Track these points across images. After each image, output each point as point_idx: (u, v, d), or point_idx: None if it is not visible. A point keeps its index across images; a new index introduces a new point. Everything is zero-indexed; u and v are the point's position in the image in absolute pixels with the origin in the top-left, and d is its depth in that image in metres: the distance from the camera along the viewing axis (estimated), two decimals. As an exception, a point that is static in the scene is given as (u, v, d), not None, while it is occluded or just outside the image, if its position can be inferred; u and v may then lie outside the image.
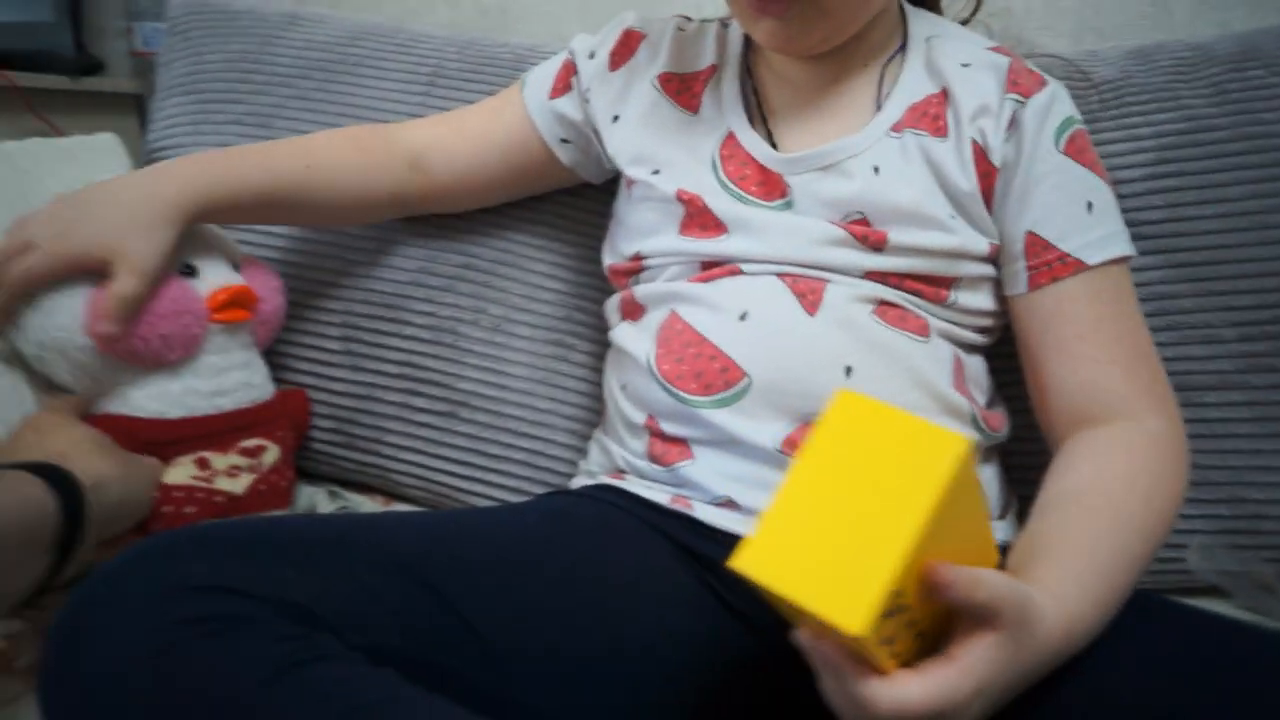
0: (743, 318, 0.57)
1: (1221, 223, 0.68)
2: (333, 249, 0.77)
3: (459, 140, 0.72)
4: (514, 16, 1.09)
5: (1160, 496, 0.52)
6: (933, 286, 0.59)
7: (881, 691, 0.35)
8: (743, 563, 0.35)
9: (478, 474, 0.74)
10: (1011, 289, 0.60)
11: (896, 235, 0.58)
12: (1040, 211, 0.58)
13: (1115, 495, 0.51)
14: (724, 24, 0.69)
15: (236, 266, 0.68)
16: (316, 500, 0.75)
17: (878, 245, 0.58)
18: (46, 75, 1.60)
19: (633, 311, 0.65)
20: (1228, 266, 0.67)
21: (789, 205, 0.60)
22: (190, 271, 0.64)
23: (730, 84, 0.65)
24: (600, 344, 0.74)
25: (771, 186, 0.61)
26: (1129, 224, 0.67)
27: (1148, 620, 0.46)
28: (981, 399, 0.61)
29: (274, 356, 0.75)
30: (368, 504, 0.77)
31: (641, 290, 0.64)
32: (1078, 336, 0.57)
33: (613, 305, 0.68)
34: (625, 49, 0.69)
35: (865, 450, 0.35)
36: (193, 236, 0.64)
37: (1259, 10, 0.89)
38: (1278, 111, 0.68)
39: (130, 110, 1.68)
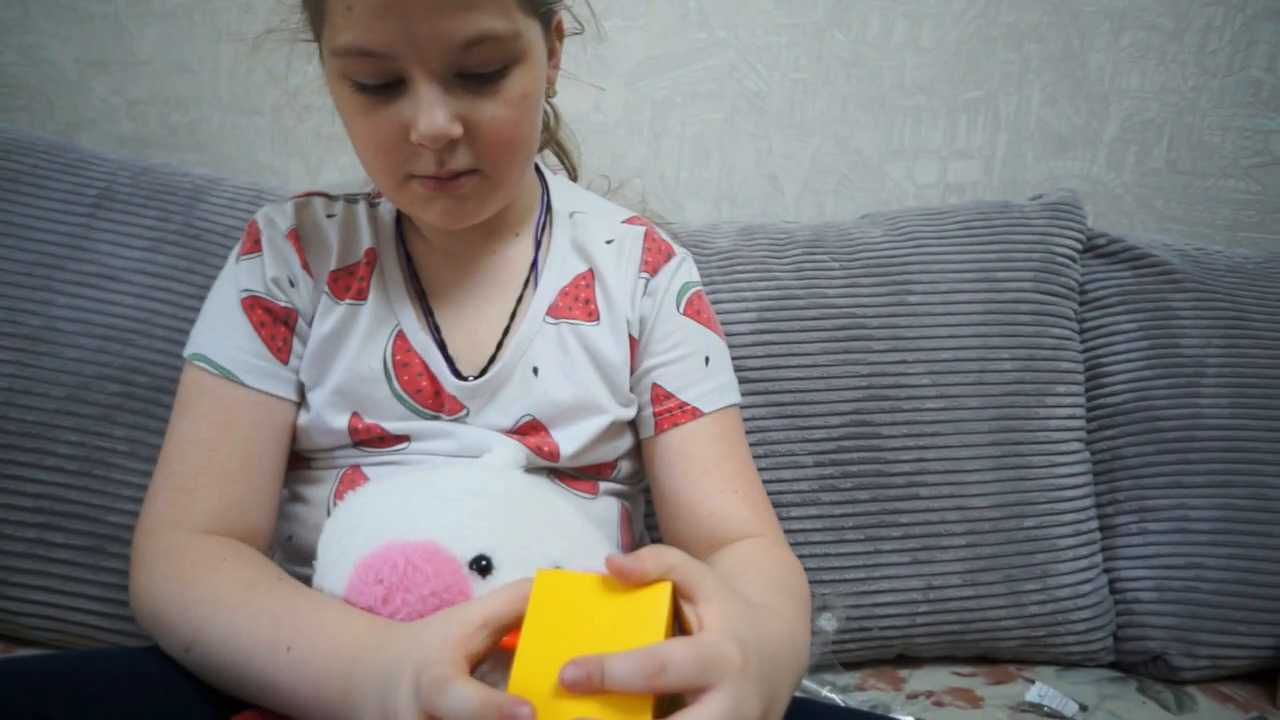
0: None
1: (803, 371, 0.86)
2: (-36, 371, 0.72)
3: (239, 482, 0.59)
4: (205, 137, 1.09)
5: (797, 579, 0.58)
6: (598, 467, 0.65)
7: None
8: None
9: (124, 611, 0.71)
10: (643, 434, 0.67)
11: (566, 445, 0.62)
12: (663, 366, 0.66)
13: (765, 567, 0.58)
14: (370, 202, 0.67)
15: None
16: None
17: (552, 457, 0.62)
18: None
19: (309, 464, 0.64)
20: (806, 407, 0.86)
21: (465, 418, 0.62)
22: (483, 567, 0.48)
23: (392, 269, 0.64)
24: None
25: (446, 401, 0.62)
26: (738, 369, 0.83)
27: None
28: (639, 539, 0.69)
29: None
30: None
31: (317, 464, 0.63)
32: (703, 471, 0.64)
33: None
34: (304, 254, 0.63)
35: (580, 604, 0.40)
36: (505, 528, 0.50)
37: (844, 198, 1.16)
38: (837, 288, 0.89)
39: None
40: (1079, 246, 0.94)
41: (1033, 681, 0.82)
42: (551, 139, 0.78)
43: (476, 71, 0.53)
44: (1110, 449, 0.90)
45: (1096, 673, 0.87)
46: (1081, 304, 0.94)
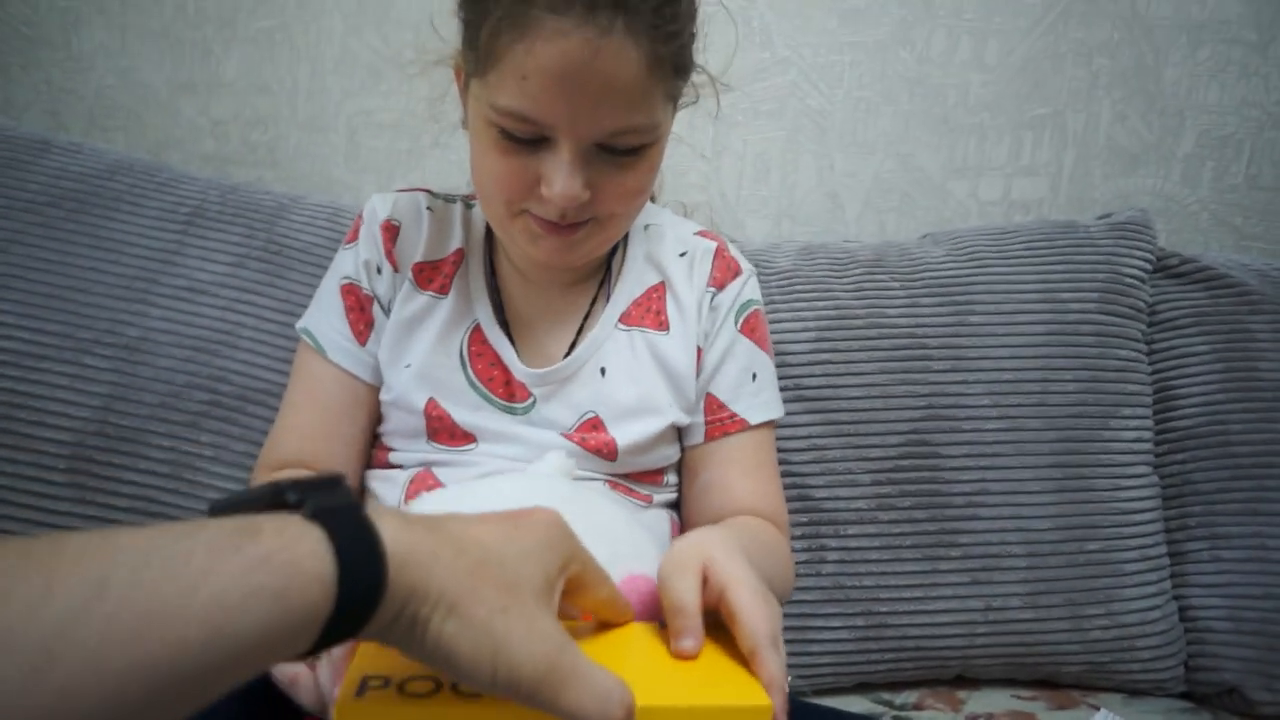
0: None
1: (861, 390, 0.86)
2: (64, 378, 0.77)
3: (317, 441, 0.66)
4: (281, 154, 1.14)
5: (781, 550, 0.66)
6: (651, 475, 0.68)
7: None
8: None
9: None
10: (689, 441, 0.70)
11: (623, 438, 0.65)
12: (717, 378, 0.69)
13: (754, 525, 0.65)
14: (468, 204, 0.72)
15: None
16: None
17: (610, 457, 0.65)
18: None
19: (384, 463, 0.68)
20: (864, 425, 0.86)
21: (531, 409, 0.66)
22: None
23: (476, 273, 0.69)
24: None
25: (515, 389, 0.66)
26: (795, 388, 0.85)
27: None
28: None
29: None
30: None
31: (395, 456, 0.67)
32: (740, 476, 0.68)
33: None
34: (390, 244, 0.68)
35: None
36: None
37: (906, 216, 1.15)
38: (897, 307, 0.89)
39: None
40: (1148, 267, 0.92)
41: (1097, 708, 0.80)
42: None
43: (616, 147, 0.57)
44: (1180, 473, 0.88)
45: (1166, 702, 0.85)
46: (1151, 325, 0.92)
